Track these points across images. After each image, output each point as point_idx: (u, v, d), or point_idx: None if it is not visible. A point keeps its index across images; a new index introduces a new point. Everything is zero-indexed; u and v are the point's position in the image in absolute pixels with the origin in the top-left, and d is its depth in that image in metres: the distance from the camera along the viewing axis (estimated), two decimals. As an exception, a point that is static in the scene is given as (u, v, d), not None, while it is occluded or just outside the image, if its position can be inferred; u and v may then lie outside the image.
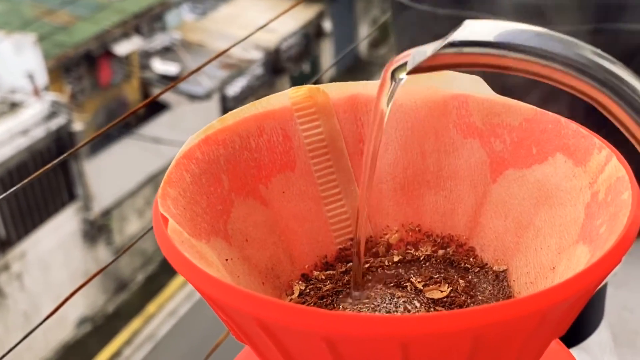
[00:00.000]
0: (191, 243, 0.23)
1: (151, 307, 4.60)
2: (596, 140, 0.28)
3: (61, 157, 0.46)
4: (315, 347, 0.20)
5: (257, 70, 5.48)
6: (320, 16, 5.98)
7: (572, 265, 0.26)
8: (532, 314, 0.21)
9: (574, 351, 0.47)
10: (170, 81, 5.17)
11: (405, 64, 0.24)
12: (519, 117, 0.30)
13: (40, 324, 0.35)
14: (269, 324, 0.20)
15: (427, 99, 0.31)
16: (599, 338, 0.48)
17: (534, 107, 0.30)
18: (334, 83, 0.31)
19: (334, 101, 0.31)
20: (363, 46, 6.03)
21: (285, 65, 5.66)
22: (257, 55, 5.49)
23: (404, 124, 0.31)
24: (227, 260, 0.26)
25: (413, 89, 0.31)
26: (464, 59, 0.22)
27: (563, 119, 0.29)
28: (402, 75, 0.24)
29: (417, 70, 0.23)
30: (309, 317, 0.19)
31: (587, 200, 0.27)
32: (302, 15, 5.87)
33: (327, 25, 6.04)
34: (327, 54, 5.90)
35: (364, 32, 6.09)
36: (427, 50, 0.23)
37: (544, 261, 0.29)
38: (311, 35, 5.93)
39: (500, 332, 0.21)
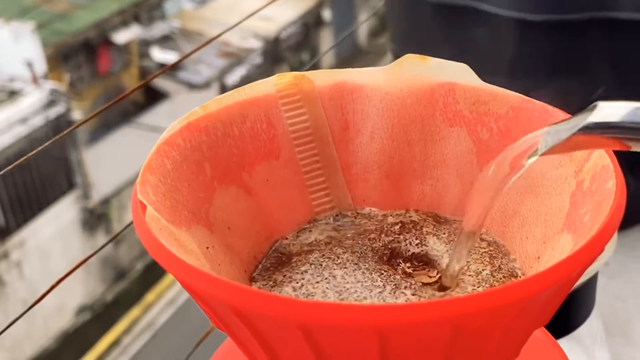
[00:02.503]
0: (170, 230, 0.23)
1: (150, 296, 4.61)
2: (582, 128, 0.28)
3: (56, 137, 0.45)
4: (292, 336, 0.20)
5: (257, 59, 5.47)
6: (319, 5, 5.96)
7: (556, 255, 0.26)
8: (512, 303, 0.21)
9: (564, 341, 0.47)
10: (169, 70, 5.16)
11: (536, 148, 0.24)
12: (506, 105, 0.30)
13: (25, 312, 0.35)
14: (244, 312, 0.20)
15: (413, 87, 0.31)
16: (590, 328, 0.48)
17: (521, 95, 0.30)
18: (319, 70, 0.31)
19: (319, 88, 0.30)
20: (363, 36, 6.01)
21: (285, 55, 5.65)
22: (257, 44, 5.47)
23: (390, 112, 0.31)
24: (208, 248, 0.26)
25: (399, 77, 0.31)
26: (600, 141, 0.23)
27: (550, 107, 0.29)
28: (533, 158, 0.24)
29: (550, 152, 0.23)
30: (284, 305, 0.19)
31: (572, 189, 0.27)
32: (302, 4, 5.85)
33: (327, 14, 6.02)
34: (326, 43, 5.88)
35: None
36: (559, 131, 0.23)
37: (529, 251, 0.29)
38: (311, 24, 5.91)
39: (480, 321, 0.21)
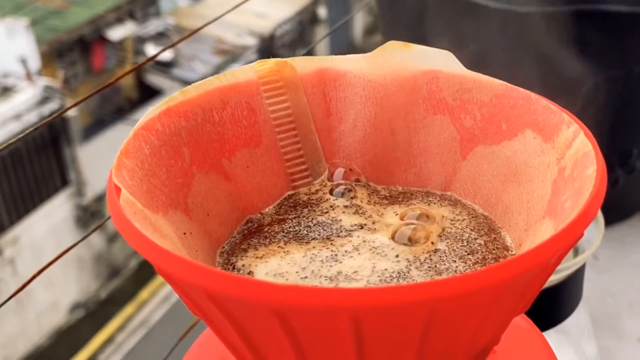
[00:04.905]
0: (144, 214, 0.23)
1: (144, 293, 4.60)
2: (565, 115, 0.27)
3: (47, 120, 0.45)
4: (267, 321, 0.20)
5: (252, 56, 5.46)
6: (315, 3, 5.95)
7: (537, 241, 0.26)
8: (488, 288, 0.20)
9: (552, 332, 0.47)
10: (164, 67, 5.16)
11: None
12: (490, 92, 0.30)
13: (5, 302, 0.35)
14: (216, 295, 0.19)
15: (396, 74, 0.30)
16: (578, 321, 0.48)
17: (505, 82, 0.30)
18: (301, 57, 0.30)
19: (302, 75, 0.30)
20: (358, 33, 6.01)
21: (280, 52, 5.64)
22: (252, 41, 5.46)
23: (374, 100, 0.31)
24: (185, 234, 0.25)
25: (382, 64, 0.30)
26: None
27: (533, 95, 0.29)
28: None
29: None
30: (256, 288, 0.19)
31: (554, 176, 0.27)
32: (297, 2, 5.84)
33: (322, 12, 6.02)
34: (322, 41, 5.87)
35: (359, 18, 6.07)
36: None
37: (512, 238, 0.28)
38: (306, 21, 5.90)
39: (457, 305, 0.20)
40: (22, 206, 4.36)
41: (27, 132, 0.40)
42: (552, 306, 0.45)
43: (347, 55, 0.31)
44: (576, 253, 0.46)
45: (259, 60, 0.30)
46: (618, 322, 0.59)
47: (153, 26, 5.42)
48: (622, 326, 0.58)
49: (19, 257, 4.24)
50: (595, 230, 0.46)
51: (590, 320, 0.50)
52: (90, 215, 4.65)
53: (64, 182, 4.60)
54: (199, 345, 0.30)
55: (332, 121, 0.31)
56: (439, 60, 0.30)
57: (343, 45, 5.78)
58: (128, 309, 4.54)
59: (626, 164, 0.61)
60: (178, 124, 0.27)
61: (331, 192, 0.30)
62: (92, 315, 4.55)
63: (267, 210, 0.29)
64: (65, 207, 4.58)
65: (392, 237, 0.27)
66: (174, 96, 0.27)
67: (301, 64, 0.30)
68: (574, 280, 0.45)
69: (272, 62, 0.30)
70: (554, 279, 0.44)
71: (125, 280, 4.74)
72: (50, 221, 4.45)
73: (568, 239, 0.22)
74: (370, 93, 0.31)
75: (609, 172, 0.66)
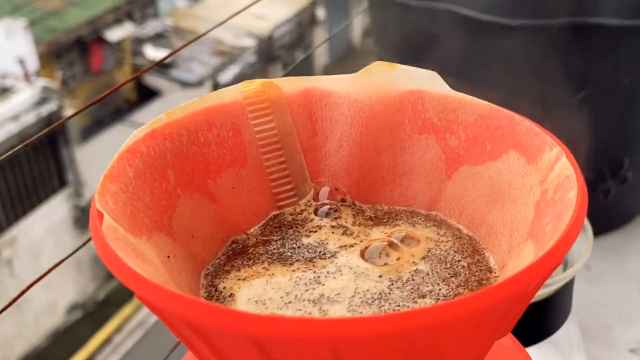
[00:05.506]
0: (127, 240, 0.23)
1: (142, 295, 4.60)
2: (548, 137, 0.28)
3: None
4: (247, 350, 0.20)
5: (250, 57, 5.46)
6: (314, 4, 5.95)
7: (519, 264, 0.26)
8: (467, 316, 0.20)
9: (542, 345, 0.47)
10: (163, 68, 5.16)
11: None
12: (474, 113, 0.30)
13: (4, 309, 0.35)
14: (196, 325, 0.20)
15: (382, 94, 0.31)
16: (567, 333, 0.48)
17: (489, 103, 0.30)
18: (287, 77, 0.31)
19: (288, 96, 0.30)
20: (356, 35, 6.01)
21: (279, 53, 5.64)
22: (250, 42, 5.47)
23: (359, 120, 0.31)
24: (169, 257, 0.25)
25: (368, 84, 0.31)
26: None
27: (517, 116, 0.29)
28: None
29: None
30: (234, 318, 0.19)
31: (537, 198, 0.27)
32: (296, 3, 5.84)
33: (321, 13, 6.02)
34: (320, 42, 5.88)
35: (358, 20, 6.07)
36: None
37: (495, 259, 0.28)
38: (304, 23, 5.91)
39: (436, 334, 0.21)
40: (20, 207, 4.36)
41: (28, 142, 0.40)
42: (541, 320, 0.46)
43: (333, 76, 0.31)
44: (565, 266, 0.46)
45: (244, 82, 0.30)
46: (609, 333, 0.59)
47: (151, 27, 5.42)
48: (613, 336, 0.58)
49: (16, 259, 4.24)
50: (585, 242, 0.46)
51: (579, 332, 0.50)
52: (88, 217, 4.65)
53: (62, 183, 4.60)
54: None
55: (317, 141, 0.31)
56: (424, 80, 0.31)
57: (342, 47, 5.78)
58: (126, 310, 4.54)
59: (618, 175, 0.61)
60: (163, 146, 0.27)
61: (316, 212, 0.30)
62: (90, 316, 4.55)
63: (252, 230, 0.29)
64: (63, 208, 4.58)
65: (362, 255, 0.27)
66: (159, 118, 0.28)
67: (287, 84, 0.30)
68: (564, 294, 0.45)
69: (257, 82, 0.30)
70: (543, 292, 0.44)
71: (122, 282, 4.74)
72: (48, 222, 4.45)
73: (547, 266, 0.22)
74: (356, 113, 0.31)
75: (601, 182, 0.66)
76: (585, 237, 0.46)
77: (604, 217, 0.64)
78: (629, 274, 0.63)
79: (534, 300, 0.44)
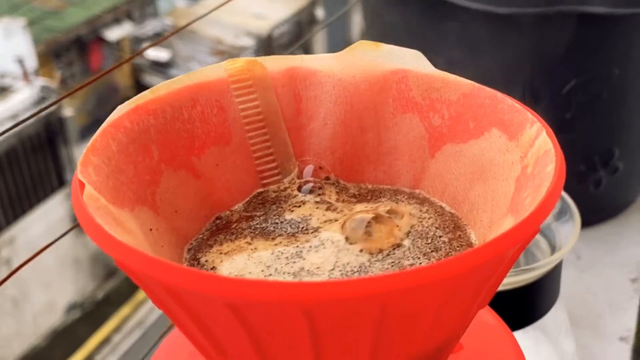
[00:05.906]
0: (108, 210, 0.23)
1: (141, 294, 4.60)
2: (529, 114, 0.28)
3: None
4: (223, 315, 0.20)
5: (249, 57, 5.46)
6: (313, 3, 5.96)
7: (499, 237, 0.26)
8: (441, 281, 0.21)
9: (529, 330, 0.48)
10: (162, 68, 5.16)
11: None
12: (457, 92, 0.30)
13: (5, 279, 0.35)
14: (172, 289, 0.20)
15: (366, 73, 0.31)
16: (556, 318, 0.48)
17: (472, 82, 0.30)
18: (271, 56, 0.31)
19: (272, 74, 0.31)
20: (355, 33, 6.00)
21: (278, 53, 5.64)
22: (249, 42, 5.47)
23: (343, 99, 0.31)
24: (151, 230, 0.26)
25: (352, 63, 0.31)
26: None
27: (499, 94, 0.29)
28: None
29: None
30: (208, 281, 0.19)
31: (517, 174, 0.27)
32: (295, 3, 5.85)
33: (320, 12, 6.02)
34: (319, 42, 5.88)
35: (357, 19, 6.07)
36: None
37: (477, 235, 0.29)
38: (303, 22, 5.91)
39: (409, 299, 0.21)
40: (19, 206, 4.36)
41: (17, 123, 0.40)
42: (529, 304, 0.46)
43: (318, 55, 0.31)
44: (553, 251, 0.47)
45: (229, 59, 0.30)
46: (599, 321, 0.59)
47: (150, 27, 5.42)
48: (603, 325, 0.59)
49: (15, 258, 4.24)
50: (572, 227, 0.46)
51: (568, 317, 0.50)
52: (86, 216, 4.65)
53: (61, 183, 4.61)
54: (169, 341, 0.31)
55: (302, 119, 0.31)
56: (408, 59, 0.31)
57: (340, 45, 5.78)
58: (124, 310, 4.54)
59: (608, 165, 0.61)
60: (147, 121, 0.27)
61: (299, 189, 0.30)
62: (89, 316, 4.55)
63: (236, 207, 0.30)
64: (62, 208, 4.58)
65: (345, 228, 0.27)
66: (143, 94, 0.28)
67: (271, 63, 0.31)
68: (551, 278, 0.46)
69: (242, 60, 0.30)
70: (531, 276, 0.44)
71: (121, 281, 4.74)
72: (47, 221, 4.45)
73: (523, 233, 0.22)
74: (340, 92, 0.31)
75: (592, 173, 0.66)
76: (573, 223, 0.46)
77: (595, 207, 0.64)
78: (619, 263, 0.63)
79: (521, 283, 0.44)
